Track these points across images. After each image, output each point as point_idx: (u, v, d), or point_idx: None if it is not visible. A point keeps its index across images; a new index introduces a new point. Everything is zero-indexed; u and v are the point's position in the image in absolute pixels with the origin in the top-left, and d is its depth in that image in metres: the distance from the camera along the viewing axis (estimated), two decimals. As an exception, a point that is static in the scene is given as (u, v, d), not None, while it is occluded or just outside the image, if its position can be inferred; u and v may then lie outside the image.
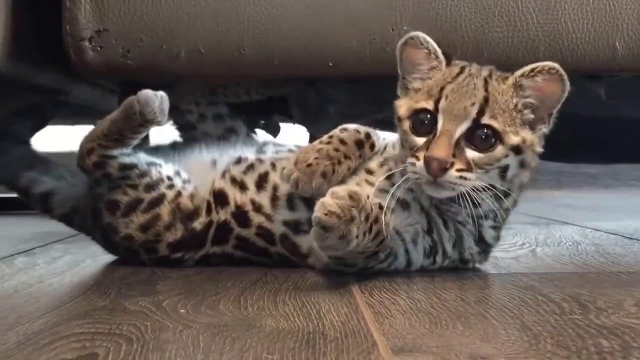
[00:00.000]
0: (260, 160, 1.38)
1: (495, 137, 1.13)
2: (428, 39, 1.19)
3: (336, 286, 1.16)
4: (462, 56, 1.26)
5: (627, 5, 1.31)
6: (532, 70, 1.14)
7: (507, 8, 1.31)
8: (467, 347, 0.79)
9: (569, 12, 1.31)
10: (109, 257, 1.46)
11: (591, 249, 1.62)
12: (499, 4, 1.31)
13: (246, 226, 1.33)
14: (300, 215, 1.31)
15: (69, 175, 1.51)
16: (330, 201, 1.06)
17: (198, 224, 1.34)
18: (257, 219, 1.32)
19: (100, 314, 0.97)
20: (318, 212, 1.05)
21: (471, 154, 1.13)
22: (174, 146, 1.53)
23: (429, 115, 1.15)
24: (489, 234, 1.28)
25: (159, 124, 1.28)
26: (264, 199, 1.33)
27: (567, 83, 1.13)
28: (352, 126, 1.30)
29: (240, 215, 1.33)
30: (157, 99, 1.26)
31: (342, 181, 1.24)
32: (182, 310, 0.98)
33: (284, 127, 1.95)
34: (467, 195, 1.14)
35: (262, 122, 1.89)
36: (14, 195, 1.54)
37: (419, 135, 1.16)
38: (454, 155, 1.11)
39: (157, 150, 1.49)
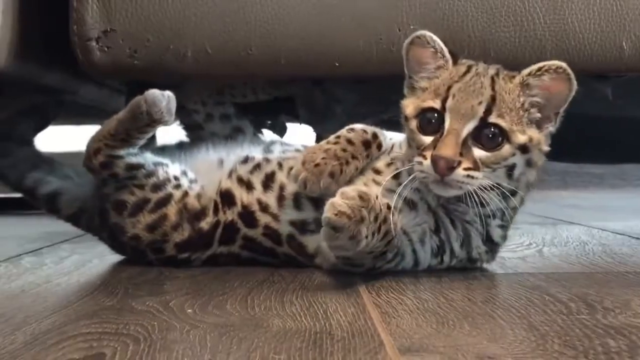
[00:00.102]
0: (267, 160, 1.38)
1: (502, 136, 1.13)
2: (435, 37, 1.19)
3: (343, 286, 1.16)
4: (469, 56, 1.25)
5: (635, 5, 1.31)
6: (540, 69, 1.14)
7: (514, 8, 1.31)
8: (474, 347, 0.79)
9: (576, 12, 1.31)
10: (116, 257, 1.46)
11: (598, 249, 1.62)
12: (505, 4, 1.31)
13: (253, 226, 1.33)
14: (307, 215, 1.30)
15: (75, 175, 1.50)
16: (340, 201, 1.06)
17: (205, 224, 1.34)
18: (263, 219, 1.32)
19: (107, 313, 0.97)
20: (328, 212, 1.05)
21: (478, 152, 1.13)
22: (180, 146, 1.52)
23: (436, 115, 1.15)
24: (496, 233, 1.28)
25: (166, 123, 1.28)
26: (270, 198, 1.33)
27: (574, 82, 1.13)
28: (359, 126, 1.30)
29: (247, 216, 1.33)
30: (164, 98, 1.25)
31: (350, 181, 1.24)
32: (190, 310, 0.98)
33: (291, 127, 1.95)
34: (474, 194, 1.14)
35: (269, 122, 1.88)
36: (20, 195, 1.54)
37: (426, 134, 1.16)
38: (461, 154, 1.11)
39: (164, 150, 1.49)
